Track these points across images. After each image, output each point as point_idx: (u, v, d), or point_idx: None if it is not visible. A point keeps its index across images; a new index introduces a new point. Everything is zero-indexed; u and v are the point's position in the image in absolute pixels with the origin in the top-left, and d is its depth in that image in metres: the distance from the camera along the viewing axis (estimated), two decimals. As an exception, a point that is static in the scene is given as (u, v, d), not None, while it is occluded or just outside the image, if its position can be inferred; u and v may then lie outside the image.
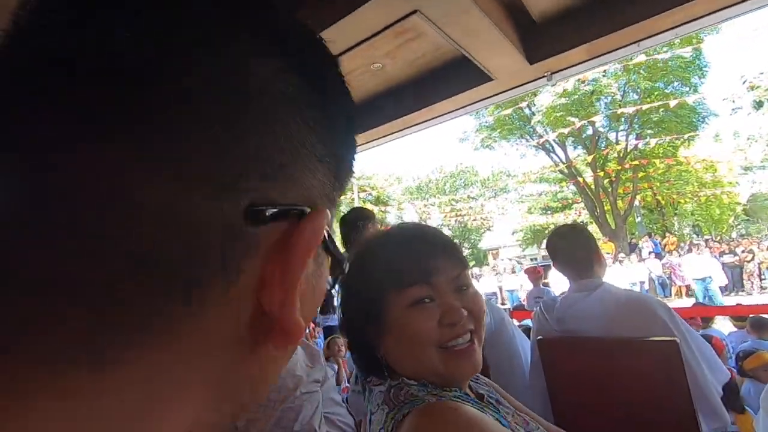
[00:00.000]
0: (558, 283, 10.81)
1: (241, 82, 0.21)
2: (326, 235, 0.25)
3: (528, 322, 5.57)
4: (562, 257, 1.56)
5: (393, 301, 0.64)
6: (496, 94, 6.24)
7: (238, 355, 0.22)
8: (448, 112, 6.61)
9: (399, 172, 40.94)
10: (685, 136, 15.58)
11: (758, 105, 15.47)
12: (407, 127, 7.00)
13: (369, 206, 24.46)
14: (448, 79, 5.47)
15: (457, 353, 0.63)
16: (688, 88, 16.30)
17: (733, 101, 14.42)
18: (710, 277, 8.49)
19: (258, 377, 0.25)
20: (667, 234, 19.22)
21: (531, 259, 36.28)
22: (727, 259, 12.78)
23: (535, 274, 5.44)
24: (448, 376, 0.63)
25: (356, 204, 18.60)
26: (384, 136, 7.42)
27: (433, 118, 6.65)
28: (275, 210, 0.21)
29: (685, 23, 4.50)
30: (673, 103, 10.73)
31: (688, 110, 14.02)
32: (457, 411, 0.57)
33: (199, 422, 0.22)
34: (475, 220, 21.70)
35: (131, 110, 0.18)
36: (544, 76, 5.68)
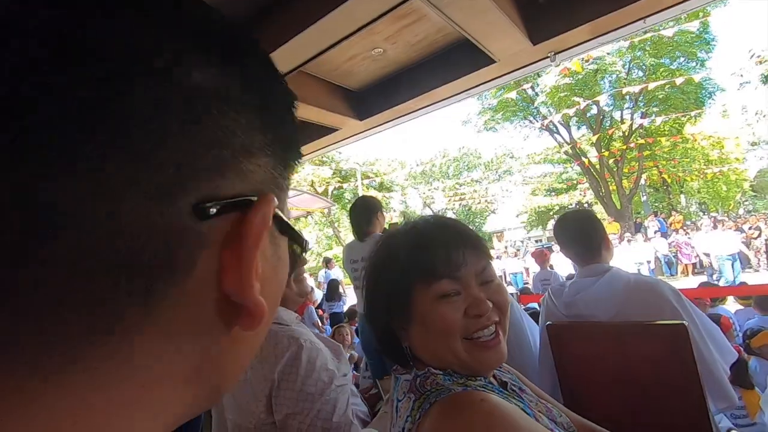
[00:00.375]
0: (562, 265, 10.80)
1: (165, 84, 0.21)
2: (279, 217, 0.27)
3: (534, 305, 5.59)
4: (569, 243, 1.56)
5: (420, 294, 0.66)
6: (500, 77, 6.14)
7: (209, 340, 0.24)
8: (452, 96, 6.51)
9: (402, 156, 40.70)
10: (692, 113, 15.33)
11: (766, 79, 15.15)
12: (410, 112, 6.92)
13: (372, 192, 24.42)
14: (450, 62, 5.38)
15: (482, 344, 0.64)
16: (694, 64, 15.97)
17: (741, 75, 14.14)
18: (738, 254, 8.37)
19: (231, 359, 0.27)
20: (673, 212, 19.09)
21: (536, 241, 36.28)
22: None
23: (542, 257, 5.44)
24: (475, 366, 0.65)
25: (360, 191, 18.57)
26: (387, 122, 7.33)
27: (436, 103, 6.56)
28: (220, 204, 0.22)
29: None
30: (679, 80, 10.56)
31: (694, 86, 13.76)
32: (483, 401, 0.58)
33: (175, 415, 0.23)
34: (479, 203, 21.61)
35: (58, 125, 0.18)
36: (547, 57, 5.57)
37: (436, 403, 0.60)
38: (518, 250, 13.08)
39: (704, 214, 25.69)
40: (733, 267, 7.92)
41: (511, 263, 12.13)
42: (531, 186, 27.82)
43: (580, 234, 1.52)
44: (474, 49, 4.81)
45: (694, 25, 8.08)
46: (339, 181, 21.19)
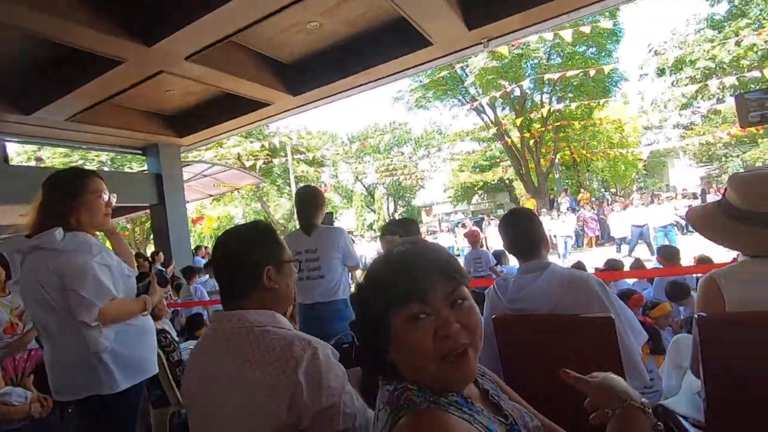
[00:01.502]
0: (495, 240, 11.52)
1: None
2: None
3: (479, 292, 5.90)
4: (513, 241, 1.66)
5: (395, 317, 0.71)
6: (436, 59, 6.16)
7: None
8: (388, 76, 6.40)
9: (333, 129, 39.91)
10: (600, 101, 16.85)
11: (661, 72, 17.01)
12: (346, 90, 6.70)
13: (304, 167, 23.77)
14: (387, 42, 5.26)
15: (452, 363, 0.69)
16: (603, 54, 17.43)
17: (641, 67, 15.74)
18: (672, 225, 9.15)
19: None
20: (582, 190, 21.12)
21: (463, 213, 38.19)
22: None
23: (474, 238, 5.73)
24: (446, 384, 0.71)
25: (291, 166, 17.98)
26: (322, 98, 7.04)
27: (372, 81, 6.42)
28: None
29: None
30: (592, 71, 11.54)
31: (603, 76, 15.07)
32: (432, 423, 0.65)
33: None
34: (408, 178, 22.07)
35: None
36: (481, 43, 5.66)
37: (403, 418, 0.67)
38: (459, 224, 13.60)
39: (605, 191, 28.81)
40: (667, 237, 8.68)
41: (443, 238, 12.65)
42: (458, 162, 28.93)
43: (522, 234, 1.62)
44: (411, 30, 4.77)
45: (609, 22, 8.78)
46: (268, 155, 20.29)
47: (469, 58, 14.33)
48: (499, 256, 5.81)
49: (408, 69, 5.69)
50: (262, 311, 1.09)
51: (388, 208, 42.14)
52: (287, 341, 1.01)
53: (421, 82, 18.63)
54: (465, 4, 4.31)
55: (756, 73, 13.84)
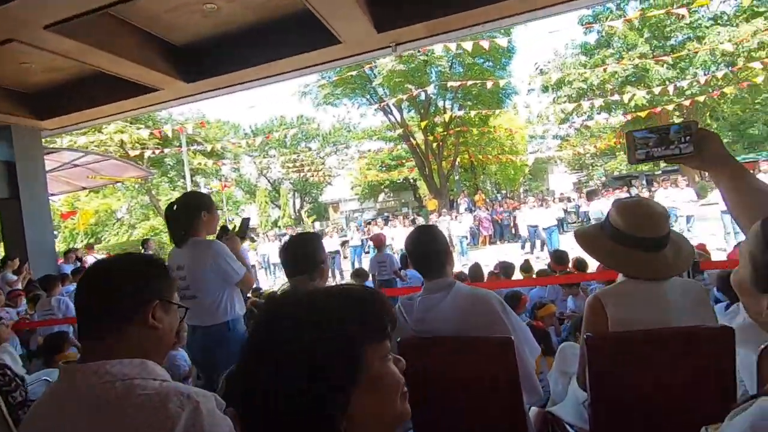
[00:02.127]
0: (400, 240, 11.77)
1: None
2: None
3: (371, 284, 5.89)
4: (417, 259, 1.62)
5: (372, 354, 0.62)
6: (342, 58, 6.01)
7: None
8: (294, 70, 6.08)
9: (234, 119, 37.46)
10: (496, 111, 18.36)
11: (545, 89, 19.07)
12: (246, 82, 6.22)
13: (201, 159, 21.92)
14: (294, 36, 4.98)
15: (404, 395, 0.67)
16: (498, 67, 19.02)
17: (529, 83, 17.47)
18: (555, 226, 9.98)
19: None
20: (478, 191, 22.80)
21: (369, 211, 38.73)
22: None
23: (379, 241, 5.74)
24: (406, 415, 0.67)
25: (185, 157, 16.42)
26: (219, 89, 6.46)
27: (276, 75, 6.05)
28: None
29: (519, 14, 4.93)
30: (490, 84, 12.50)
31: (498, 88, 16.40)
32: None
33: None
34: (315, 174, 21.64)
35: None
36: (389, 46, 5.65)
37: None
38: (371, 222, 13.62)
39: (497, 192, 31.61)
40: (551, 237, 9.58)
41: (353, 236, 12.62)
42: (365, 161, 29.24)
43: (427, 252, 1.59)
44: (320, 26, 4.56)
45: (504, 40, 9.57)
46: (159, 144, 18.28)
47: (378, 59, 14.51)
48: (404, 260, 5.91)
49: (315, 66, 5.47)
50: (127, 360, 0.88)
51: (294, 204, 40.99)
52: (160, 397, 0.83)
53: (329, 78, 18.40)
54: (374, 6, 4.26)
55: (616, 97, 16.33)
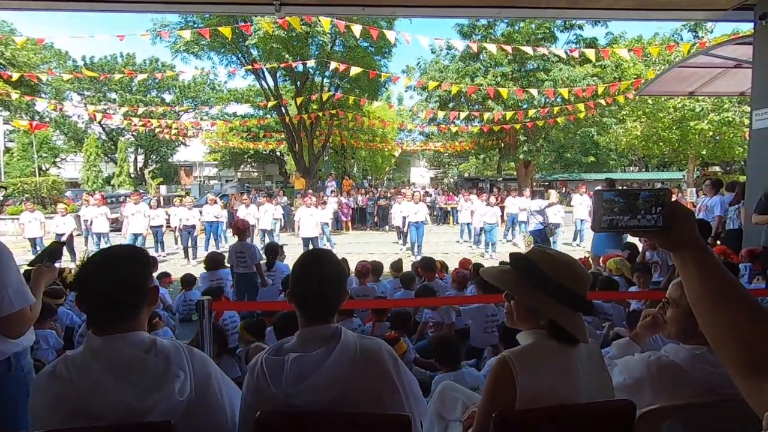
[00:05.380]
0: (266, 219, 10.59)
1: None
2: None
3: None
4: (303, 297, 1.21)
5: None
6: (215, 3, 5.05)
7: None
8: (145, 2, 4.86)
9: (61, 44, 29.91)
10: (374, 103, 18.45)
11: (423, 88, 19.88)
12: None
13: (3, 87, 16.79)
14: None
15: None
16: (381, 54, 19.11)
17: (408, 81, 17.95)
18: (423, 222, 9.94)
19: None
20: (346, 176, 22.84)
21: (227, 181, 35.57)
22: (382, 202, 16.53)
23: (239, 228, 4.94)
24: None
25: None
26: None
27: (120, 2, 4.72)
28: None
29: (412, 6, 4.69)
30: (372, 74, 12.37)
31: (378, 76, 16.42)
32: None
33: None
34: (166, 131, 18.57)
35: None
36: (272, 4, 4.92)
37: None
38: (216, 198, 11.61)
39: (363, 179, 32.35)
40: (417, 231, 9.77)
41: (210, 210, 10.64)
42: (229, 125, 26.44)
43: (322, 291, 1.20)
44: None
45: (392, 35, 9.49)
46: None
47: (256, 16, 13.06)
48: (270, 251, 5.31)
49: (181, 3, 4.53)
50: None
51: (135, 162, 35.02)
52: None
53: (197, 24, 15.90)
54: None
55: (477, 108, 18.05)
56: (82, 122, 31.94)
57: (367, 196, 17.15)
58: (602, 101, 14.59)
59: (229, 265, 4.95)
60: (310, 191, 14.80)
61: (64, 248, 9.70)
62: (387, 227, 15.38)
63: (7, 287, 1.54)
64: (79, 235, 10.68)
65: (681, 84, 7.73)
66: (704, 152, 19.07)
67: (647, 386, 1.32)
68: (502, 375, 1.17)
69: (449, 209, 17.42)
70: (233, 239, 5.32)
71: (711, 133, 17.63)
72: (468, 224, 11.72)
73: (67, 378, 1.05)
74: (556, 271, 1.22)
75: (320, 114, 18.34)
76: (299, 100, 16.76)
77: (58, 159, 30.07)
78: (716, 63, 6.54)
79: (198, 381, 1.12)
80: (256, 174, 38.96)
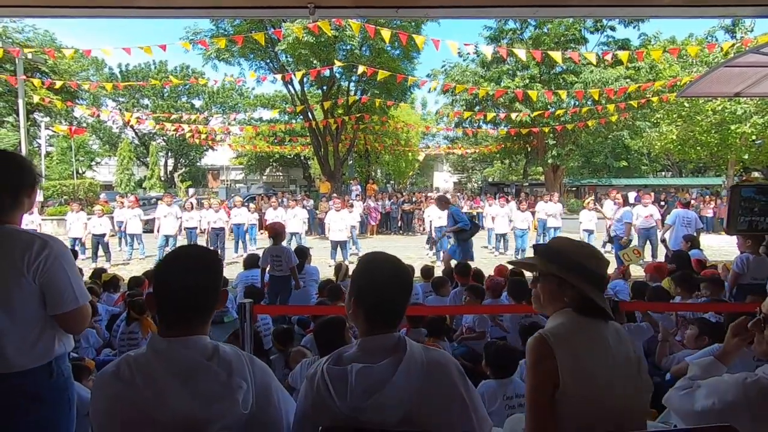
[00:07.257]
0: (293, 223, 10.58)
1: None
2: None
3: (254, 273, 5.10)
4: (374, 306, 1.13)
5: None
6: (250, 8, 5.06)
7: None
8: (185, 7, 4.92)
9: (98, 53, 31.09)
10: (398, 103, 18.37)
11: (445, 90, 19.75)
12: (118, 6, 4.85)
13: (47, 94, 17.61)
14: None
15: None
16: (407, 58, 19.05)
17: (434, 85, 17.83)
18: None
19: None
20: (371, 180, 22.85)
21: (252, 184, 36.18)
22: (406, 206, 16.43)
23: (275, 231, 4.90)
24: None
25: (21, 87, 12.96)
26: (75, 6, 4.98)
27: (158, 8, 4.80)
28: None
29: (443, 7, 4.60)
30: (400, 77, 12.34)
31: (406, 80, 16.36)
32: None
33: None
34: (196, 135, 19.03)
35: None
36: (307, 7, 4.90)
37: None
38: (244, 200, 11.71)
39: (387, 183, 32.31)
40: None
41: (240, 214, 10.76)
42: (257, 129, 26.89)
43: (392, 297, 1.15)
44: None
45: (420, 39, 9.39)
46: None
47: (286, 22, 13.25)
48: (301, 253, 5.26)
49: (214, 8, 4.56)
50: None
51: (166, 165, 36.09)
52: None
53: (228, 32, 16.26)
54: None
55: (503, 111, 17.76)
56: (117, 127, 33.16)
57: (391, 200, 17.09)
58: (634, 104, 14.09)
59: (260, 267, 4.95)
60: (335, 195, 14.86)
61: (100, 247, 9.90)
62: (410, 232, 15.28)
63: (73, 283, 1.55)
64: (113, 236, 11.01)
65: (727, 84, 7.33)
66: (746, 157, 18.15)
67: (743, 411, 1.19)
68: (540, 351, 1.21)
69: (475, 213, 17.18)
70: (263, 242, 5.32)
71: (754, 137, 16.78)
72: (490, 230, 11.48)
73: (130, 380, 1.01)
74: (577, 253, 1.33)
75: (346, 118, 18.41)
76: (327, 104, 16.87)
77: (93, 162, 31.30)
78: (767, 62, 6.16)
79: (259, 392, 1.07)
80: (281, 177, 39.48)
